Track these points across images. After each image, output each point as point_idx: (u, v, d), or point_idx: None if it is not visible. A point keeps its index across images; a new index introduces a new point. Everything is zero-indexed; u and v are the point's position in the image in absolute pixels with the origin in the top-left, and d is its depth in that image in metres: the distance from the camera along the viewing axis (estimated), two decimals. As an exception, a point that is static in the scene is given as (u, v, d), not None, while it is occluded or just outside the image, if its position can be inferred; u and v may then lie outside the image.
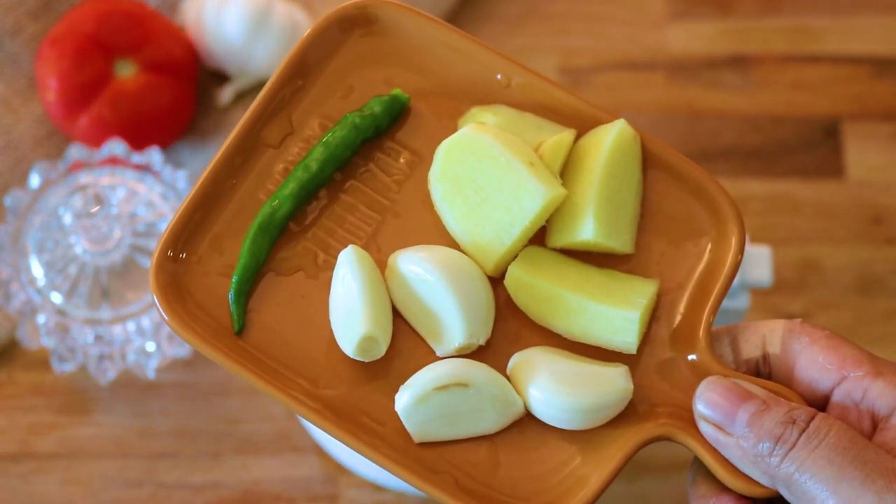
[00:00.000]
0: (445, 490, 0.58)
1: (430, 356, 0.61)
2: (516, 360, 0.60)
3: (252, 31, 0.98)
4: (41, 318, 0.87)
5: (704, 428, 0.58)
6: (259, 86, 1.01)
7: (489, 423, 0.59)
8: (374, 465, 0.91)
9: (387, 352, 0.60)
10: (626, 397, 0.59)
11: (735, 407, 0.57)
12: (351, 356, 0.60)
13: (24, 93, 1.00)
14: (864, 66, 1.05)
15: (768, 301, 0.99)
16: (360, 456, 0.91)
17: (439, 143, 0.62)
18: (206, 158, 0.99)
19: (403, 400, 0.59)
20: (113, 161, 0.90)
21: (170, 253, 0.61)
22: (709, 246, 0.62)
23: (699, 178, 0.62)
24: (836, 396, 0.59)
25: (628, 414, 0.60)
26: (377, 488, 0.94)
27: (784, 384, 0.60)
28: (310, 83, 0.64)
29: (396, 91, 0.63)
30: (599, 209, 0.60)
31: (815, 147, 1.03)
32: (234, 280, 0.61)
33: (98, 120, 0.95)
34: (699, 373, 0.60)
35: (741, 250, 0.61)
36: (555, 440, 0.60)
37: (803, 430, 0.55)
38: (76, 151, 0.90)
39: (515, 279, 0.61)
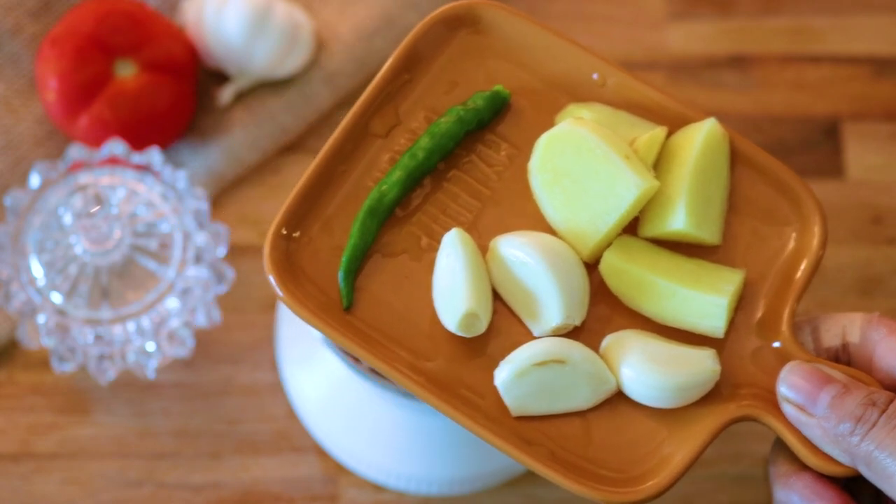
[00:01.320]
0: (541, 460, 0.62)
1: (528, 336, 0.64)
2: (609, 341, 0.64)
3: (252, 31, 0.98)
4: (41, 318, 0.87)
5: (787, 409, 0.62)
6: (259, 86, 1.01)
7: (583, 399, 0.63)
8: (374, 465, 0.91)
9: (486, 330, 0.64)
10: (714, 378, 0.63)
11: (817, 389, 0.61)
12: (453, 332, 0.64)
13: (24, 93, 1.00)
14: (864, 66, 1.05)
15: (768, 301, 1.00)
16: (362, 456, 0.91)
17: (538, 136, 0.66)
18: (206, 158, 0.99)
19: (503, 374, 0.63)
20: (113, 161, 0.90)
21: (284, 231, 0.65)
22: (792, 238, 0.66)
23: (783, 174, 0.67)
24: None
25: (713, 395, 0.63)
26: (377, 488, 0.94)
27: (863, 371, 0.63)
28: (416, 77, 0.68)
29: (498, 87, 0.67)
30: (691, 201, 0.64)
31: (815, 147, 1.03)
32: (343, 259, 0.65)
33: (98, 120, 0.95)
34: (782, 358, 0.64)
35: (824, 244, 0.65)
36: (644, 417, 0.63)
37: (883, 411, 0.59)
38: (76, 151, 0.90)
39: (610, 265, 0.64)
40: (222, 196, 1.00)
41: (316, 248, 0.65)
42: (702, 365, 0.63)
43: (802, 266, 0.65)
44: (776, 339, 0.64)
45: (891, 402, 0.60)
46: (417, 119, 0.68)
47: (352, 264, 0.65)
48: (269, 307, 0.97)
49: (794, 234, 0.66)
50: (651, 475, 0.63)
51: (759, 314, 0.65)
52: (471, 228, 0.66)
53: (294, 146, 1.02)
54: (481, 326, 0.64)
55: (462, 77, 0.68)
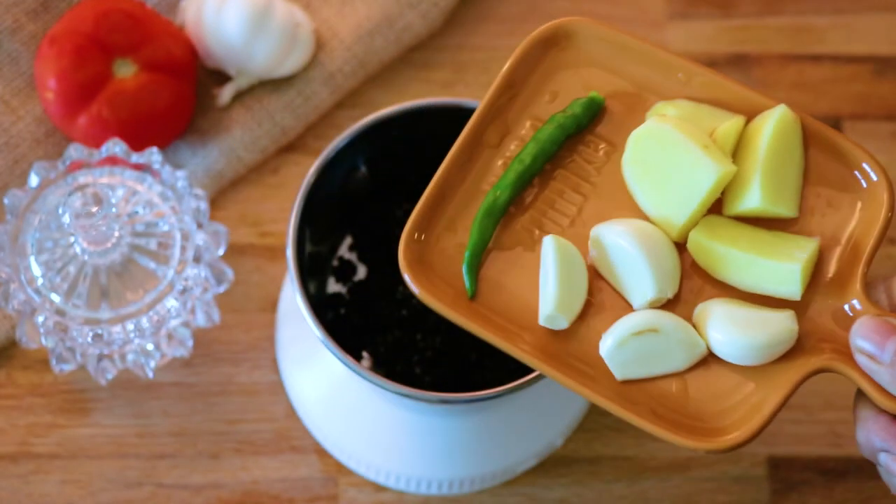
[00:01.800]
0: (644, 417, 0.70)
1: (628, 310, 0.72)
2: (699, 310, 0.72)
3: (252, 30, 0.97)
4: (40, 318, 0.87)
5: (860, 359, 0.68)
6: (259, 85, 1.01)
7: (678, 362, 0.71)
8: (374, 465, 0.91)
9: (591, 306, 0.72)
10: (793, 336, 0.70)
11: (885, 339, 0.67)
12: (541, 324, 0.72)
13: (23, 92, 1.00)
14: (865, 65, 1.05)
15: (769, 301, 0.99)
16: (362, 456, 0.91)
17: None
18: (205, 158, 0.99)
19: (607, 345, 0.71)
20: (112, 161, 0.90)
21: (415, 235, 0.73)
22: (862, 206, 0.73)
23: (851, 149, 0.73)
24: None
25: (796, 351, 0.71)
26: (377, 488, 0.93)
27: None
28: (520, 92, 0.76)
29: (593, 94, 0.75)
30: (765, 180, 0.71)
31: (815, 147, 1.02)
32: (466, 255, 0.73)
33: (97, 119, 0.95)
34: (856, 314, 0.71)
35: (892, 208, 0.72)
36: (734, 374, 0.71)
37: None
38: (75, 151, 0.90)
39: (695, 243, 0.72)
40: (222, 196, 1.00)
41: (442, 247, 0.74)
42: (781, 325, 0.70)
43: (872, 230, 0.72)
44: (851, 298, 0.71)
45: None
46: (524, 127, 0.76)
47: (473, 259, 0.73)
48: (269, 307, 0.97)
49: (864, 202, 0.73)
50: (742, 423, 0.70)
51: (835, 277, 0.72)
52: (576, 219, 0.74)
53: (293, 146, 1.02)
54: (563, 324, 0.72)
55: (561, 87, 0.76)
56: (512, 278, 0.73)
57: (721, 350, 0.71)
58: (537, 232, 0.74)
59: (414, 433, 0.90)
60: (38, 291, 0.88)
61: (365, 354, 0.91)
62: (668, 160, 0.72)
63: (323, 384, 0.92)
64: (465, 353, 0.87)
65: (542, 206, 0.75)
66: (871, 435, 0.68)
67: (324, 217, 0.87)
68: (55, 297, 0.88)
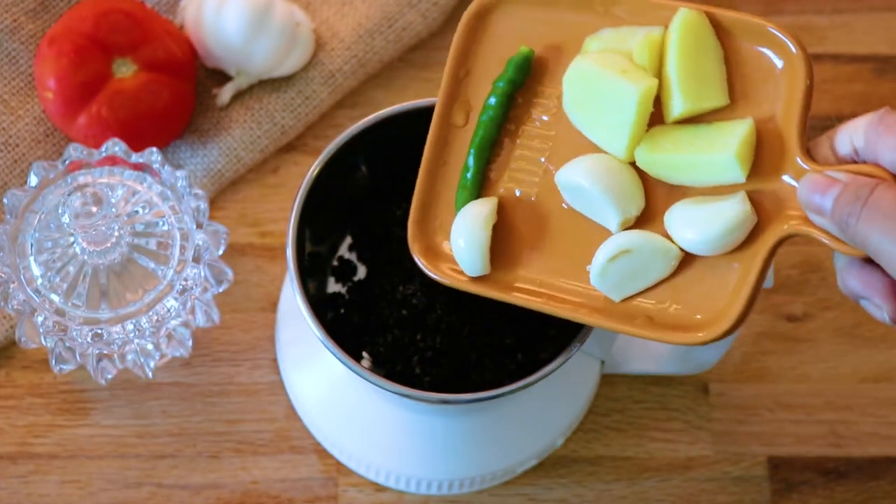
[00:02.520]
0: (641, 326, 0.75)
1: (607, 234, 0.77)
2: (666, 217, 0.76)
3: (251, 30, 0.97)
4: (39, 318, 0.87)
5: (811, 216, 0.72)
6: (258, 85, 1.01)
7: (660, 270, 0.75)
8: (374, 466, 0.91)
9: (577, 242, 0.77)
10: (748, 216, 0.73)
11: (824, 193, 0.70)
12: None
13: (23, 92, 1.00)
14: (865, 65, 1.05)
15: (769, 301, 0.99)
16: (362, 456, 0.91)
17: None
18: (205, 158, 0.99)
19: (592, 276, 0.76)
20: (112, 161, 0.90)
21: (419, 222, 0.79)
22: (786, 75, 0.74)
23: (753, 21, 0.75)
24: None
25: (763, 227, 0.74)
26: (377, 488, 0.93)
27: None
28: (472, 68, 0.80)
29: (521, 48, 0.79)
30: (682, 82, 0.75)
31: (815, 146, 1.02)
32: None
33: (96, 119, 0.95)
34: (803, 175, 0.74)
35: (810, 74, 0.74)
36: (713, 266, 0.75)
37: (866, 201, 0.69)
38: (75, 151, 0.90)
39: (641, 160, 0.76)
40: (221, 196, 1.00)
41: (445, 228, 0.79)
42: (734, 209, 0.73)
43: (799, 91, 0.73)
44: (796, 163, 0.73)
45: (871, 193, 0.69)
46: (483, 100, 0.79)
47: None
48: (269, 307, 0.97)
49: (787, 71, 0.74)
50: (729, 308, 0.73)
51: (779, 149, 0.74)
52: (547, 170, 0.78)
53: (293, 146, 1.02)
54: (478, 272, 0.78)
55: (506, 53, 0.79)
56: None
57: (692, 248, 0.75)
58: (519, 190, 0.79)
59: (414, 433, 0.90)
60: (37, 291, 0.87)
61: (365, 354, 0.91)
62: (596, 94, 0.75)
63: (323, 384, 0.92)
64: (465, 353, 0.87)
65: (516, 164, 0.79)
66: (847, 283, 0.72)
67: (324, 217, 0.87)
68: (55, 297, 0.87)
